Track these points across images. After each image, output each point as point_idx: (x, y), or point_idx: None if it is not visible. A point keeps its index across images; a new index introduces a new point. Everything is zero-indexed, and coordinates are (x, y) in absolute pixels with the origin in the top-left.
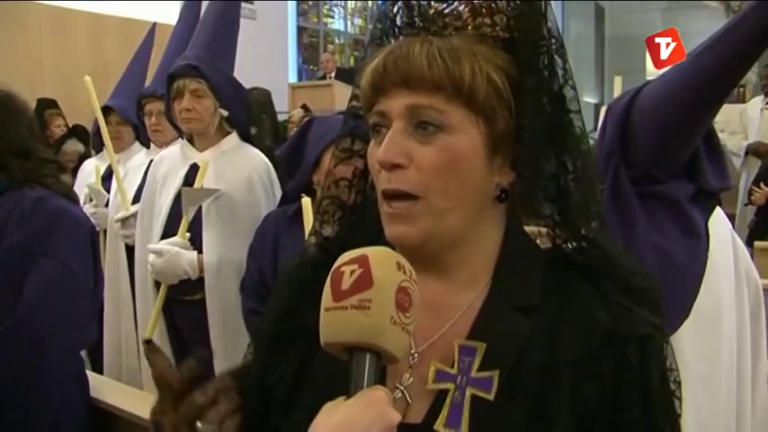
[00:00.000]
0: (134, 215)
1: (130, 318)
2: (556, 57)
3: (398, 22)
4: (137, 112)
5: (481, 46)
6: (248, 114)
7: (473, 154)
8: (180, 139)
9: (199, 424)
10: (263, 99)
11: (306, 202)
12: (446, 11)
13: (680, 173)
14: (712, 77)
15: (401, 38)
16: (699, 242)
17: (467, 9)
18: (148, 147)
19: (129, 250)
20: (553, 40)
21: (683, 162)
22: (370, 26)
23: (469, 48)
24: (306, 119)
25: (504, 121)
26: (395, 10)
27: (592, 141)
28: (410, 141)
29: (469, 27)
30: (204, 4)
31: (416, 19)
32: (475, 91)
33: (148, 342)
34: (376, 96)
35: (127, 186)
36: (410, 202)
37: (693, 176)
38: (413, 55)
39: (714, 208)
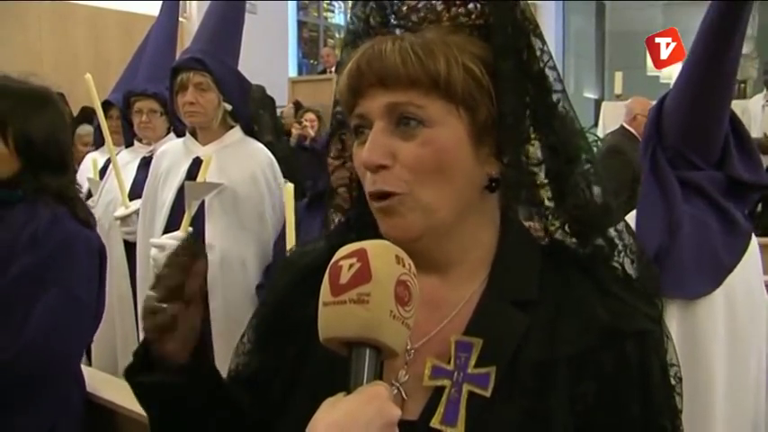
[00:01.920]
0: (135, 212)
1: (130, 315)
2: (533, 38)
3: (372, 23)
4: (123, 110)
5: (455, 36)
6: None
7: (457, 145)
8: (171, 135)
9: (150, 292)
10: (259, 95)
11: (288, 188)
12: (419, 5)
13: (714, 161)
14: (698, 69)
15: (377, 37)
16: (735, 227)
17: (440, 1)
18: (131, 144)
19: (127, 246)
20: (527, 23)
21: (715, 149)
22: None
23: (443, 39)
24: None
25: (485, 109)
26: (366, 11)
27: (591, 137)
28: (392, 139)
29: (445, 18)
30: (195, 3)
31: (390, 17)
32: (452, 82)
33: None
34: (354, 99)
35: (115, 183)
36: (398, 197)
37: (721, 164)
38: (385, 53)
39: (757, 203)
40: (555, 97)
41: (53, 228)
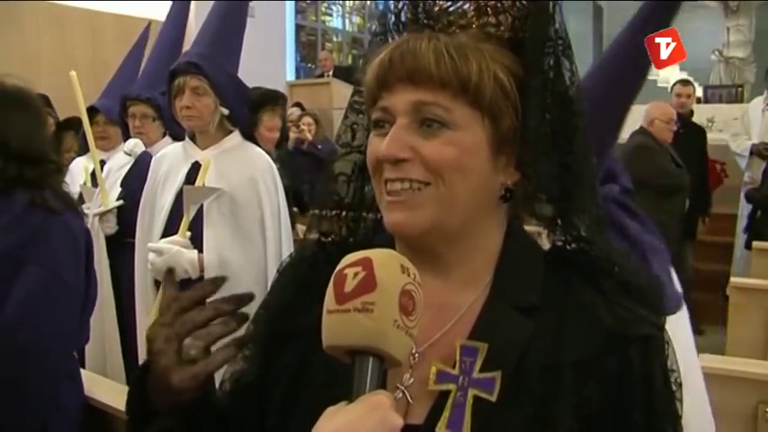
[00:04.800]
0: (111, 211)
1: (112, 316)
2: (563, 58)
3: (402, 19)
4: (120, 114)
5: (487, 44)
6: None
7: (477, 151)
8: (166, 139)
9: (187, 340)
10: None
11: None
12: (451, 9)
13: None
14: None
15: (405, 34)
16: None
17: (472, 8)
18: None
19: (111, 247)
20: (560, 41)
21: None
22: (369, 24)
23: (476, 45)
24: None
25: (509, 120)
26: (399, 6)
27: None
28: (413, 137)
29: (474, 26)
30: (194, 4)
31: (421, 16)
32: (481, 89)
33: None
34: (380, 91)
35: (110, 185)
36: (415, 190)
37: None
38: (420, 50)
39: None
40: (578, 120)
41: (28, 212)
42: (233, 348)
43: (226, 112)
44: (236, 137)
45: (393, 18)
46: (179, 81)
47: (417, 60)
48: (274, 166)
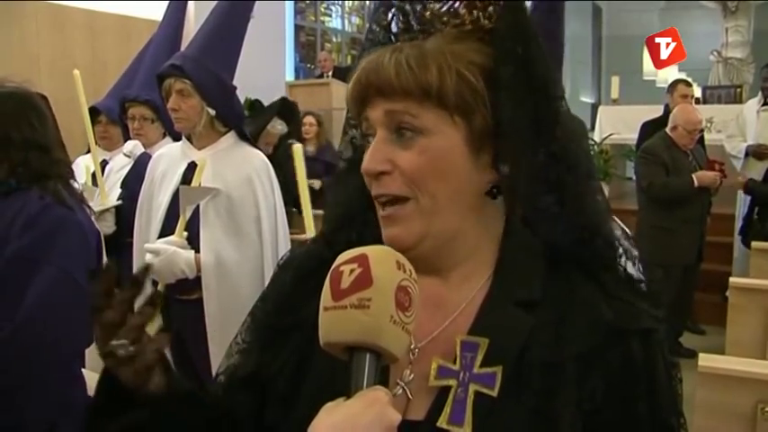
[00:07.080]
0: (109, 210)
1: None
2: (532, 45)
3: (394, 29)
4: (120, 115)
5: (458, 44)
6: (247, 114)
7: (453, 153)
8: (167, 139)
9: (113, 342)
10: (277, 106)
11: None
12: (442, 10)
13: None
14: None
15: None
16: None
17: (462, 5)
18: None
19: (111, 247)
20: (526, 29)
21: None
22: (368, 24)
23: (440, 48)
24: None
25: (481, 116)
26: (389, 17)
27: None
28: (392, 147)
29: (467, 22)
30: (192, 4)
31: (413, 23)
32: (444, 91)
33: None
34: (363, 107)
35: (110, 186)
36: (401, 205)
37: None
38: (382, 66)
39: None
40: (557, 105)
41: (44, 212)
42: (149, 308)
43: (212, 112)
44: (231, 137)
45: (383, 31)
46: (166, 84)
47: (380, 75)
48: (270, 166)
